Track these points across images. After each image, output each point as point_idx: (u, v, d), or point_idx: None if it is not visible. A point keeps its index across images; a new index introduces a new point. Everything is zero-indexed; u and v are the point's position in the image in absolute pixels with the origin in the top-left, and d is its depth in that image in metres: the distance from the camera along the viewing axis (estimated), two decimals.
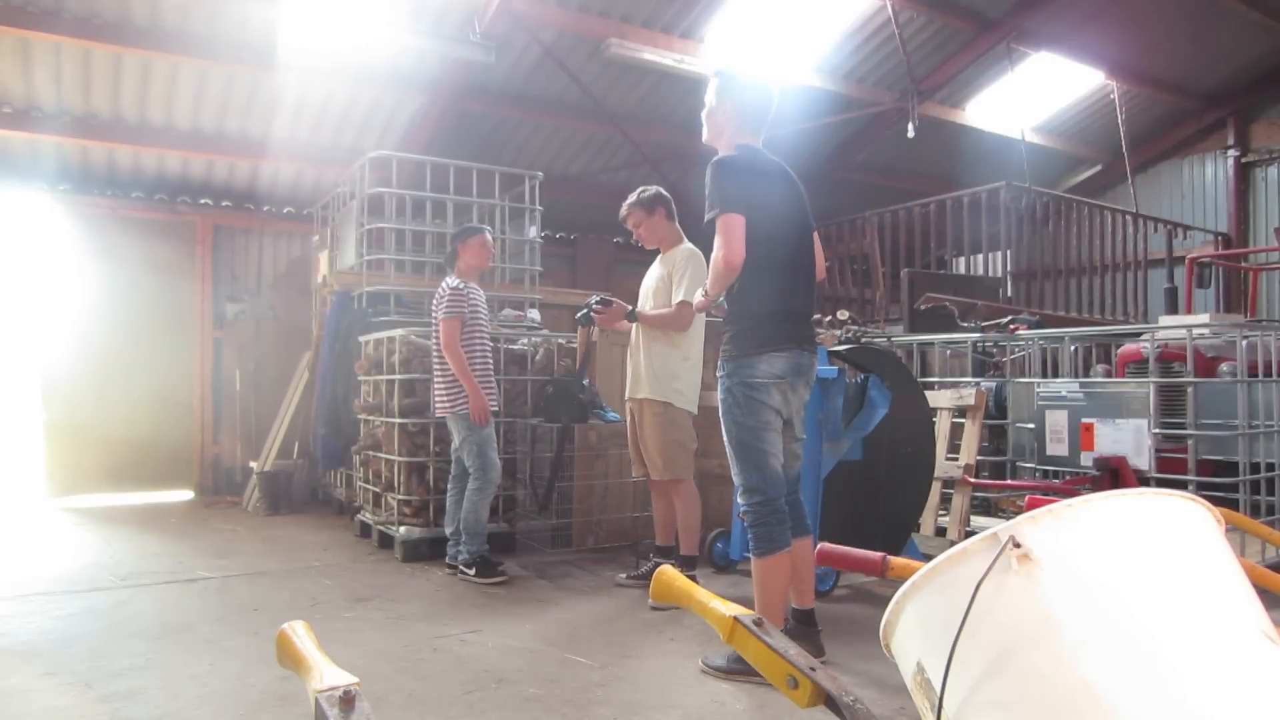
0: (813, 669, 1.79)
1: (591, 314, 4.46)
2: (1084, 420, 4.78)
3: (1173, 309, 6.86)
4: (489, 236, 4.97)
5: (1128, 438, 4.59)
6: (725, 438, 3.19)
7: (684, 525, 4.36)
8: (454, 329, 4.58)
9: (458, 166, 6.58)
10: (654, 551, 4.57)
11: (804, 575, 3.29)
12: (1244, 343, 4.66)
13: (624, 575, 4.58)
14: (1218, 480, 4.50)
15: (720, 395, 3.20)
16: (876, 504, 4.37)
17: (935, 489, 4.99)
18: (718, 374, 3.23)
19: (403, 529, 5.22)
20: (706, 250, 3.21)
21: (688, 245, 4.41)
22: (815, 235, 3.39)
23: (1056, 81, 9.61)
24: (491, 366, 4.87)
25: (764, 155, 3.25)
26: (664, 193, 4.49)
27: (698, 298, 3.30)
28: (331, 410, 6.49)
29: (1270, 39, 9.44)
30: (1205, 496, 1.67)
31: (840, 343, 4.54)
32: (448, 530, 4.88)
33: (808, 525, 3.33)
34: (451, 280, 4.72)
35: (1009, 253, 8.40)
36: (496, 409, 4.85)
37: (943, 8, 8.13)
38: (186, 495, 7.90)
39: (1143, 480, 4.45)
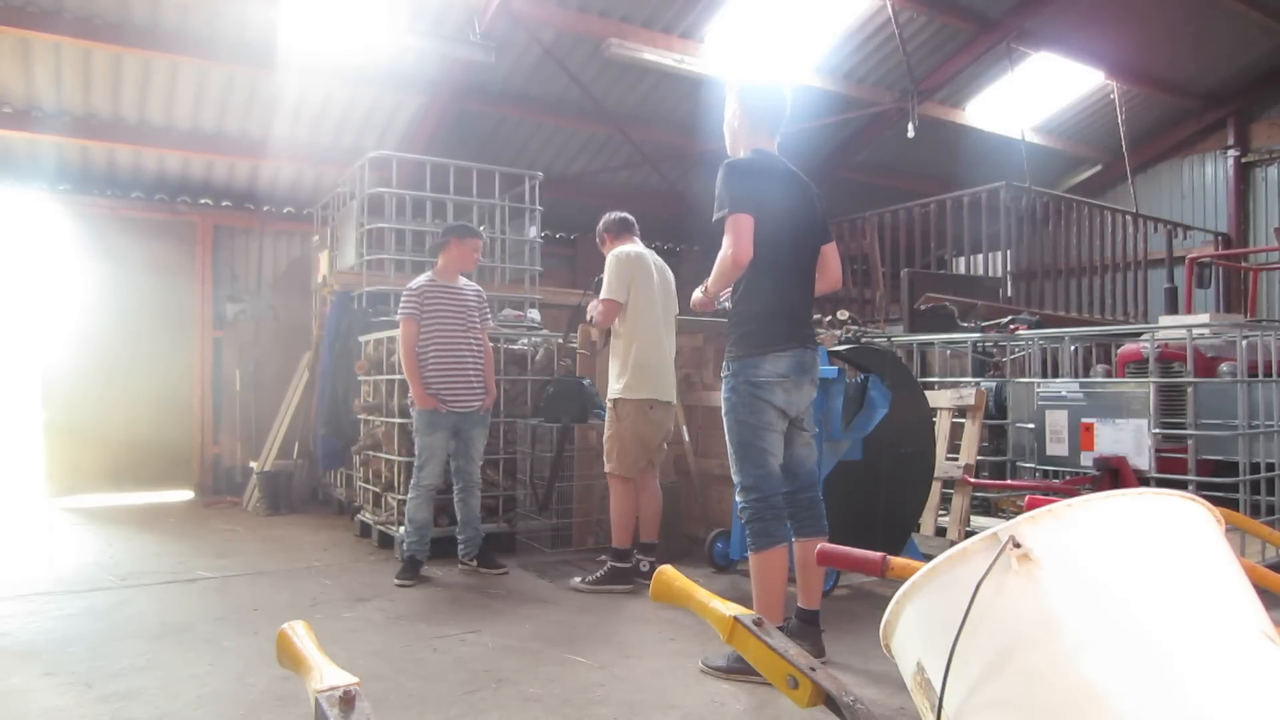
0: (813, 669, 1.79)
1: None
2: (1084, 420, 4.78)
3: (1173, 309, 6.85)
4: (480, 243, 4.90)
5: (1128, 438, 4.59)
6: (726, 435, 3.23)
7: (613, 516, 4.55)
8: (405, 329, 4.68)
9: (458, 166, 6.58)
10: (611, 554, 4.54)
11: (812, 575, 3.29)
12: (1244, 343, 4.66)
13: (579, 579, 4.53)
14: (1218, 480, 4.50)
15: (724, 394, 3.23)
16: (876, 504, 4.37)
17: (935, 489, 4.99)
18: (722, 373, 3.25)
19: (403, 529, 5.21)
20: (715, 246, 3.22)
21: (612, 253, 4.62)
22: (834, 246, 3.41)
23: (1056, 81, 9.60)
24: (460, 360, 4.73)
25: (776, 159, 3.31)
26: (604, 222, 4.75)
27: (696, 295, 3.34)
28: (331, 410, 6.49)
29: (1270, 39, 9.43)
30: (1205, 496, 1.67)
31: (840, 343, 4.53)
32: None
33: (824, 524, 3.32)
34: (418, 279, 4.80)
35: (1009, 253, 8.39)
36: (480, 407, 4.78)
37: (943, 8, 8.12)
38: (186, 495, 7.90)
39: (1143, 480, 4.45)
